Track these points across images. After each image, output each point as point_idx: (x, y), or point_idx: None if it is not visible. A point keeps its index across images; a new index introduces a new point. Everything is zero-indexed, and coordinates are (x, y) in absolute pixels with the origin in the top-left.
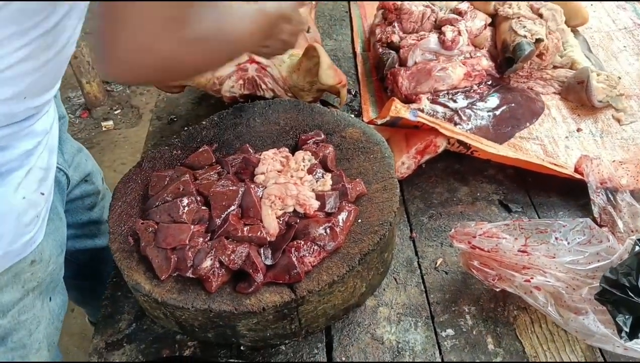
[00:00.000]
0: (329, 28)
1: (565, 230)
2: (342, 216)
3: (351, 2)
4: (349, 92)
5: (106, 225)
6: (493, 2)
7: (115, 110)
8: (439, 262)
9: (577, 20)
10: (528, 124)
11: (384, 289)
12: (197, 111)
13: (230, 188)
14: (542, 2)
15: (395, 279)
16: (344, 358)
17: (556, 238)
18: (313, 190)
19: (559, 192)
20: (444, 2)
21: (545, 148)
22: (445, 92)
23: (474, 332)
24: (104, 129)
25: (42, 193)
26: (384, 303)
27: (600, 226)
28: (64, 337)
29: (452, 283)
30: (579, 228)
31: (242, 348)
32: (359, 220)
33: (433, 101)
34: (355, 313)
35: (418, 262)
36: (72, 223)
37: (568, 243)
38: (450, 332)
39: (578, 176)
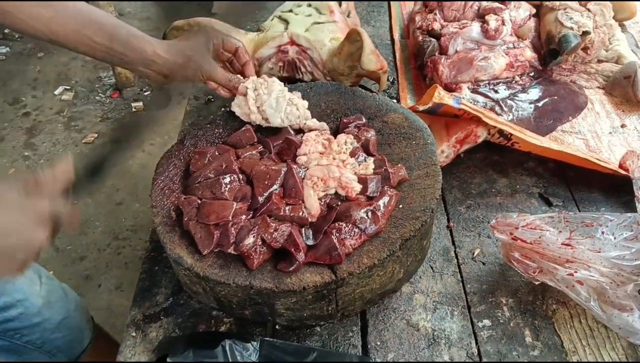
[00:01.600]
0: (367, 14)
1: (612, 224)
2: (384, 200)
3: None
4: (387, 79)
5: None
6: None
7: (145, 91)
8: (476, 252)
9: (625, 14)
10: (570, 118)
11: (420, 277)
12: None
13: (273, 167)
14: None
15: (432, 267)
16: (378, 343)
17: (602, 233)
18: (355, 173)
19: (601, 188)
20: None
21: (588, 143)
22: (487, 82)
23: (512, 324)
24: (133, 109)
25: None
26: (420, 290)
27: None
28: (90, 311)
29: (489, 274)
30: (627, 223)
31: (277, 327)
32: (400, 206)
33: (474, 91)
34: (391, 299)
35: (455, 251)
36: None
37: (615, 238)
38: (487, 322)
39: (623, 172)
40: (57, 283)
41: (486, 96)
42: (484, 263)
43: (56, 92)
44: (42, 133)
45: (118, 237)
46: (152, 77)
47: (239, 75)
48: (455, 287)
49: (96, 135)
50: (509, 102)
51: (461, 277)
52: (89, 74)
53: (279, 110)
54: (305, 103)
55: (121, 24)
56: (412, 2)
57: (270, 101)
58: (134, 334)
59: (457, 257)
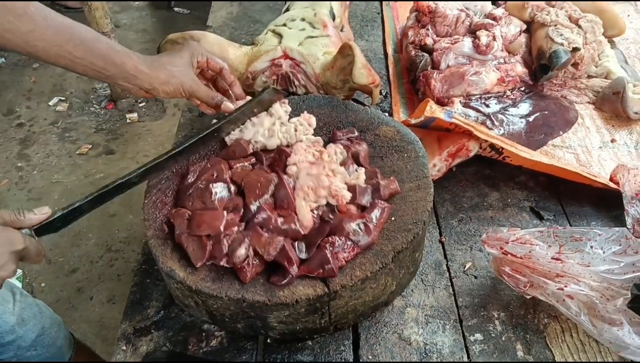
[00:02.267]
0: (360, 29)
1: (601, 239)
2: (376, 213)
3: (384, 4)
4: (379, 92)
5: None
6: (529, 9)
7: (140, 102)
8: (467, 266)
9: (614, 30)
10: (561, 133)
11: (412, 290)
12: None
13: (264, 177)
14: (582, 13)
15: (423, 281)
16: (370, 357)
17: (591, 247)
18: (345, 182)
19: (592, 202)
20: (479, 7)
21: (579, 157)
22: (478, 96)
23: (503, 338)
24: (128, 121)
25: None
26: (411, 304)
27: (635, 236)
28: (81, 324)
29: (481, 288)
30: (615, 237)
31: (269, 341)
32: (393, 218)
33: (465, 105)
34: (383, 313)
35: (447, 265)
36: None
37: (603, 252)
38: (478, 336)
39: (613, 186)
40: (31, 300)
41: (478, 110)
42: (475, 277)
43: (51, 103)
44: (35, 144)
45: (111, 249)
46: (133, 91)
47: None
48: (447, 300)
49: (90, 146)
50: (500, 116)
51: (453, 290)
52: (84, 85)
53: (272, 135)
54: (313, 120)
55: (102, 38)
56: (406, 17)
57: (263, 132)
58: (124, 348)
59: (449, 270)
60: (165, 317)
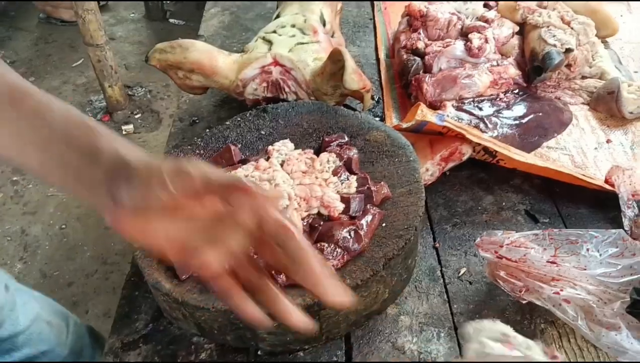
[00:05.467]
0: (352, 35)
1: (597, 241)
2: (367, 219)
3: (375, 9)
4: (372, 98)
5: (23, 337)
6: (521, 11)
7: (136, 114)
8: (462, 272)
9: (607, 30)
10: (556, 134)
11: (406, 297)
12: (219, 114)
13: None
14: (574, 15)
15: (417, 287)
16: None
17: (587, 250)
18: (338, 192)
19: (588, 204)
20: (470, 10)
21: (574, 158)
22: (471, 99)
23: None
24: (124, 132)
25: None
26: (405, 311)
27: (632, 238)
28: None
29: (476, 293)
30: (612, 239)
31: (259, 353)
32: (384, 224)
33: (458, 108)
34: (376, 321)
35: (441, 270)
36: None
37: (600, 255)
38: None
39: (609, 187)
40: (84, 329)
41: (470, 113)
42: (470, 283)
43: None
44: None
45: (106, 262)
46: None
47: None
48: (441, 307)
49: None
50: (493, 119)
51: (447, 297)
52: (80, 97)
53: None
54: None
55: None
56: (397, 22)
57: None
58: (111, 361)
59: (443, 276)
60: (154, 330)
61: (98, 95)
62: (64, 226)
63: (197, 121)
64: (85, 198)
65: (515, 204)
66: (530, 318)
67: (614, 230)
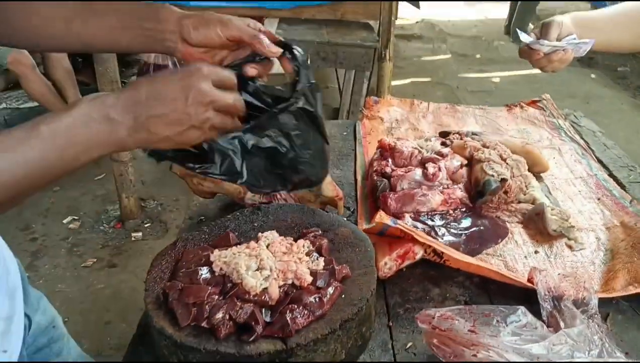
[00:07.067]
0: (337, 161)
1: (504, 315)
2: (330, 290)
3: (357, 142)
4: (348, 208)
5: None
6: (468, 149)
7: (146, 223)
8: (409, 345)
9: (540, 167)
10: (494, 244)
11: None
12: (222, 215)
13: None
14: (510, 153)
15: (371, 355)
16: None
17: (497, 321)
18: (309, 268)
19: (516, 298)
20: (430, 146)
21: (507, 263)
22: (425, 213)
23: None
24: (133, 239)
25: (5, 351)
26: None
27: (548, 326)
28: None
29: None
30: (515, 313)
31: None
32: (343, 296)
33: (414, 219)
34: None
35: (392, 344)
36: None
37: (507, 325)
38: None
39: (530, 285)
40: None
41: (424, 223)
42: (414, 354)
43: (64, 221)
44: (45, 256)
45: (101, 354)
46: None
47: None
48: None
49: (95, 260)
50: (442, 229)
51: None
52: (97, 206)
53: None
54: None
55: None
56: (373, 153)
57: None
58: None
59: (393, 348)
60: None
61: (114, 205)
62: (66, 319)
63: (204, 219)
64: (157, 50)
65: (457, 296)
66: None
67: (517, 306)
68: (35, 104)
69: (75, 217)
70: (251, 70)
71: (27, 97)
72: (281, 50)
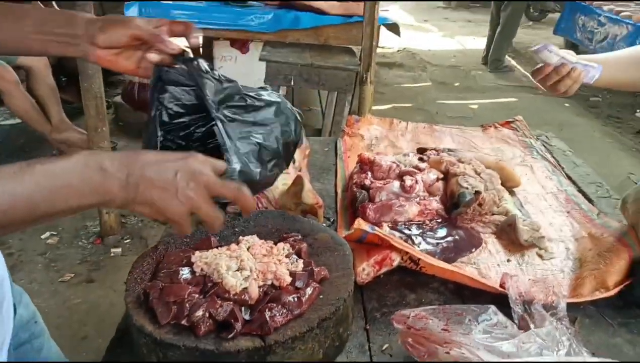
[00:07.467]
0: (318, 175)
1: (475, 314)
2: (308, 290)
3: (337, 158)
4: (328, 219)
5: None
6: (444, 163)
7: (126, 239)
8: (385, 347)
9: (512, 183)
10: (468, 253)
11: None
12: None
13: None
14: (484, 168)
15: (348, 357)
16: None
17: (469, 320)
18: (288, 269)
19: (489, 303)
20: (408, 160)
21: (481, 271)
22: (403, 222)
23: None
24: (112, 254)
25: None
26: None
27: (519, 329)
28: None
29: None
30: (486, 312)
31: None
32: (321, 296)
33: (392, 228)
34: None
35: (369, 346)
36: None
37: (478, 323)
38: None
39: (502, 290)
40: None
41: (401, 232)
42: (390, 355)
43: (42, 237)
44: (21, 271)
45: None
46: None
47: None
48: None
49: (72, 275)
50: (419, 237)
51: None
52: (76, 222)
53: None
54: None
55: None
56: (353, 166)
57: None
58: None
59: (370, 350)
60: None
61: (94, 221)
62: None
63: None
64: (74, 54)
65: (432, 301)
66: None
67: (488, 305)
68: (18, 120)
69: (54, 233)
70: (153, 56)
71: (10, 114)
72: (181, 48)
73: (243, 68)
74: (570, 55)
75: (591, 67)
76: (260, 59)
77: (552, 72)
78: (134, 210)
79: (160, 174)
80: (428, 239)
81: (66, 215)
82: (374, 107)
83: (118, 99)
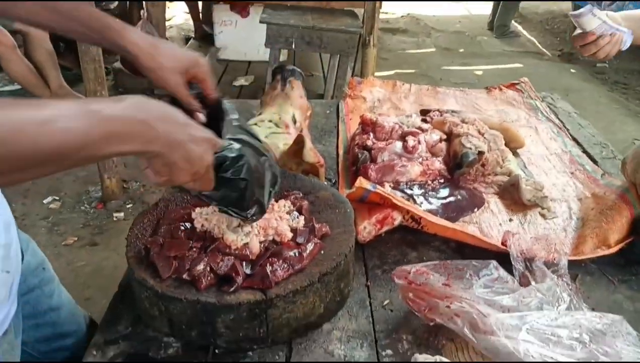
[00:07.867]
0: (320, 137)
1: (477, 269)
2: (309, 246)
3: (340, 119)
4: (329, 180)
5: (64, 311)
6: (447, 124)
7: (128, 204)
8: (386, 302)
9: (516, 144)
10: (470, 213)
11: (339, 318)
12: None
13: None
14: (487, 129)
15: (349, 312)
16: None
17: (470, 275)
18: (289, 225)
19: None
20: (411, 122)
21: (482, 230)
22: (405, 182)
23: (408, 353)
24: (115, 219)
25: (7, 272)
26: (337, 328)
27: (520, 285)
28: None
29: (395, 318)
30: (487, 267)
31: (217, 351)
32: (322, 252)
33: (394, 188)
34: (313, 333)
35: (369, 301)
36: (32, 313)
37: (479, 278)
38: (389, 352)
39: (503, 248)
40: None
41: (403, 192)
42: (391, 311)
43: (45, 201)
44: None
45: None
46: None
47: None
48: (366, 326)
49: (76, 238)
50: (421, 197)
51: (372, 319)
52: (78, 187)
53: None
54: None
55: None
56: (355, 128)
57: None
58: (94, 353)
59: (370, 305)
60: (132, 332)
61: (96, 186)
62: None
63: None
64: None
65: (433, 259)
66: (435, 336)
67: (489, 261)
68: (17, 87)
69: (56, 198)
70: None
71: (9, 80)
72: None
73: (243, 32)
74: (610, 18)
75: (623, 32)
76: (260, 21)
77: (592, 44)
78: (150, 161)
79: (192, 152)
80: (430, 199)
81: (108, 158)
82: (376, 73)
83: (117, 64)
